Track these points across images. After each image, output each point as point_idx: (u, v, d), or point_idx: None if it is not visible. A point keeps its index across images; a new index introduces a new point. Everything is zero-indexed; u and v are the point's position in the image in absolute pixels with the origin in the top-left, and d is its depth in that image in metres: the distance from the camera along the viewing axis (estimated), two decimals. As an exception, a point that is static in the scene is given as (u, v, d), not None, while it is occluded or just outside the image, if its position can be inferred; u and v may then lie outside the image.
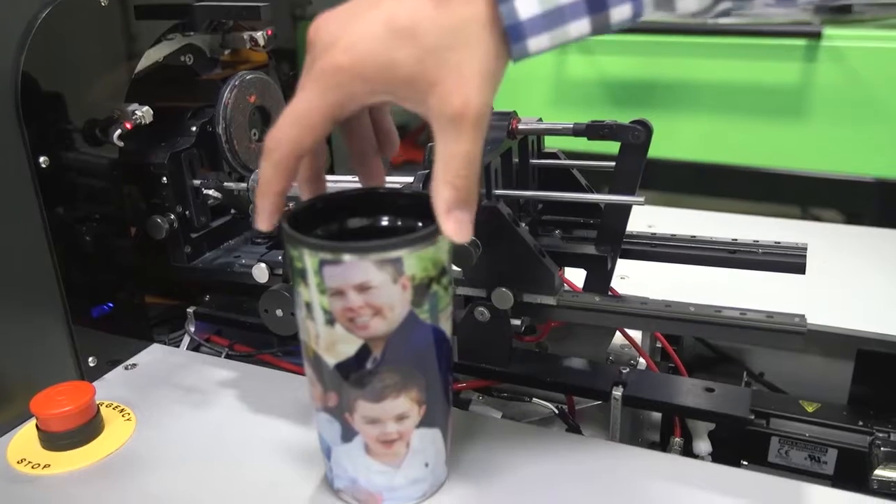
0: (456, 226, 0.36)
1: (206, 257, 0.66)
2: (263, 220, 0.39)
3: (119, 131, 0.56)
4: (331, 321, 0.39)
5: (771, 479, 0.45)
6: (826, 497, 0.44)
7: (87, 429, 0.51)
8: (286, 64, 0.82)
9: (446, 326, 0.41)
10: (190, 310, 0.67)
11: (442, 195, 0.36)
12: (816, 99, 1.39)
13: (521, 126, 0.56)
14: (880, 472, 0.59)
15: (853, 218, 1.46)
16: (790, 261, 0.57)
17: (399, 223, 0.44)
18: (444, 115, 0.34)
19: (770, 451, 0.66)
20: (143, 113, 0.57)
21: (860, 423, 0.65)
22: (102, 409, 0.53)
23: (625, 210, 0.55)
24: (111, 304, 0.60)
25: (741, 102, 1.47)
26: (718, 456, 0.60)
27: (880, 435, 0.62)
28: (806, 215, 1.51)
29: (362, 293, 0.37)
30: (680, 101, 1.53)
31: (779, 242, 0.58)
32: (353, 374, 0.40)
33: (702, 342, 0.72)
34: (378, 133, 0.43)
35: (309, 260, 0.38)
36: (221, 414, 0.55)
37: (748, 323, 0.47)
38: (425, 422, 0.41)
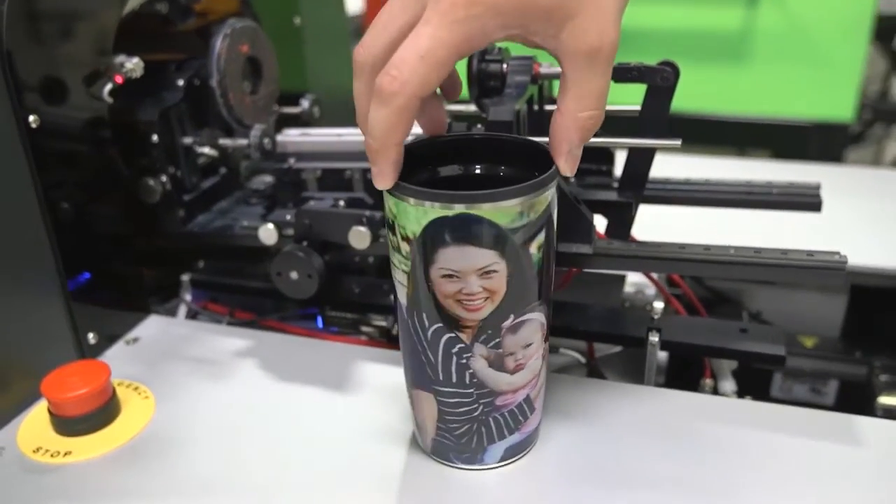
0: (572, 164, 0.36)
1: (199, 221, 0.62)
2: (386, 177, 0.35)
3: (109, 86, 0.51)
4: None
5: (827, 415, 0.47)
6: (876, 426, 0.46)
7: (105, 411, 0.47)
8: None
9: None
10: (185, 277, 0.63)
11: (569, 134, 0.35)
12: (757, 44, 1.42)
13: (543, 70, 0.54)
14: (885, 400, 0.62)
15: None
16: (805, 200, 0.58)
17: (477, 170, 0.42)
18: (580, 51, 0.33)
19: (773, 385, 0.68)
20: (134, 65, 0.52)
21: (857, 354, 0.67)
22: (116, 388, 0.50)
23: (649, 155, 0.54)
24: (107, 276, 0.55)
25: (682, 48, 1.49)
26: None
27: (878, 364, 0.65)
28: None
29: None
30: (621, 47, 1.53)
31: (792, 183, 0.59)
32: None
33: (700, 283, 0.73)
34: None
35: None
36: (243, 384, 0.52)
37: (790, 262, 0.48)
38: None
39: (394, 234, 0.37)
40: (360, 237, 0.54)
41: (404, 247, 0.37)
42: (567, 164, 0.37)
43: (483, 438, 0.41)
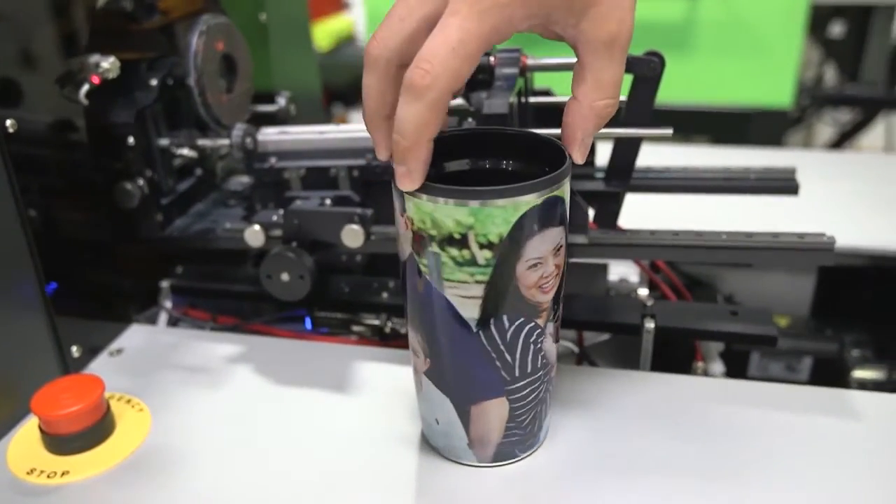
0: (584, 151, 0.37)
1: (177, 225, 0.60)
2: (415, 177, 0.33)
3: (86, 87, 0.49)
4: None
5: (823, 391, 0.48)
6: (870, 399, 0.47)
7: (101, 427, 0.45)
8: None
9: None
10: (165, 284, 0.61)
11: (586, 123, 0.35)
12: (699, 35, 1.46)
13: (530, 62, 0.54)
14: (859, 374, 0.64)
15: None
16: (782, 184, 0.59)
17: (487, 164, 0.42)
18: (599, 39, 0.34)
19: (751, 365, 0.70)
20: (110, 65, 0.50)
21: (828, 331, 0.70)
22: (109, 402, 0.48)
23: (636, 144, 0.55)
24: (88, 286, 0.53)
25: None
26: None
27: (849, 340, 0.68)
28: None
29: None
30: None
31: (768, 168, 0.60)
32: None
33: (675, 269, 0.75)
34: None
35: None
36: (240, 391, 0.50)
37: (782, 245, 0.49)
38: None
39: (464, 247, 0.35)
40: (353, 236, 0.53)
41: (483, 256, 0.35)
42: (580, 152, 0.37)
43: (542, 415, 0.42)
